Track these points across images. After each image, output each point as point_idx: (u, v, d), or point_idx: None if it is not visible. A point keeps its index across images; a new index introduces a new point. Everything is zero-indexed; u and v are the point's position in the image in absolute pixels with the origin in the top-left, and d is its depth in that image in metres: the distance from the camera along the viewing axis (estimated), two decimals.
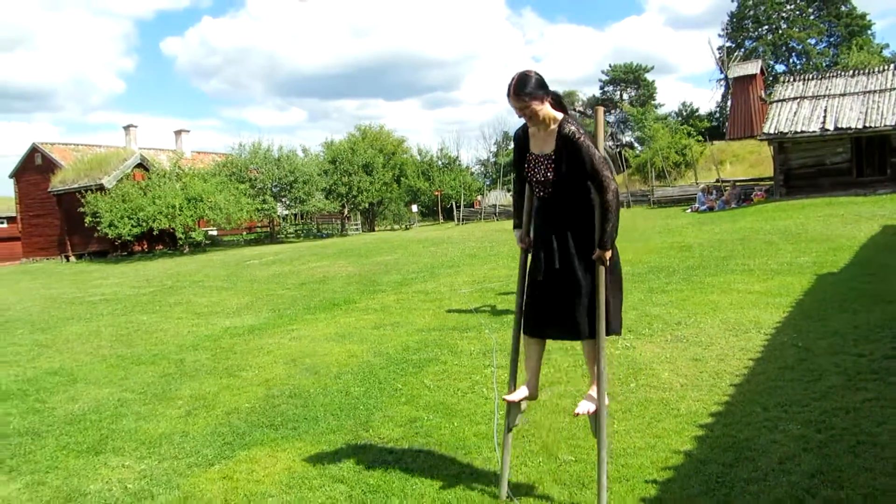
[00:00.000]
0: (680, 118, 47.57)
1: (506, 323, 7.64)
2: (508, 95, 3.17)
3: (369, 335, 7.74)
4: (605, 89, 54.04)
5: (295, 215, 38.18)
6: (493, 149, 63.58)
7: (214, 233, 33.72)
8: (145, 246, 31.34)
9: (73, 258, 32.56)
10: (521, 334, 3.50)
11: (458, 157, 48.48)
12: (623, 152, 40.31)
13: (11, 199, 38.69)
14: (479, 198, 44.56)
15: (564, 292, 3.23)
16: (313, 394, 5.54)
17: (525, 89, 3.13)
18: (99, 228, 28.75)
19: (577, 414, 3.38)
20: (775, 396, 4.46)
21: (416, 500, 3.43)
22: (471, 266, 13.69)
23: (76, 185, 31.60)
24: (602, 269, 3.17)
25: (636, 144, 47.74)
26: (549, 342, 3.58)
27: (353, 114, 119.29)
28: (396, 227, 42.09)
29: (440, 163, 45.78)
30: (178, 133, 38.96)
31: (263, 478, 3.93)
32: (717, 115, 48.64)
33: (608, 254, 3.14)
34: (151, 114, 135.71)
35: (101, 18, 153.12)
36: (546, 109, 3.19)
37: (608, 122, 53.58)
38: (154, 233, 29.06)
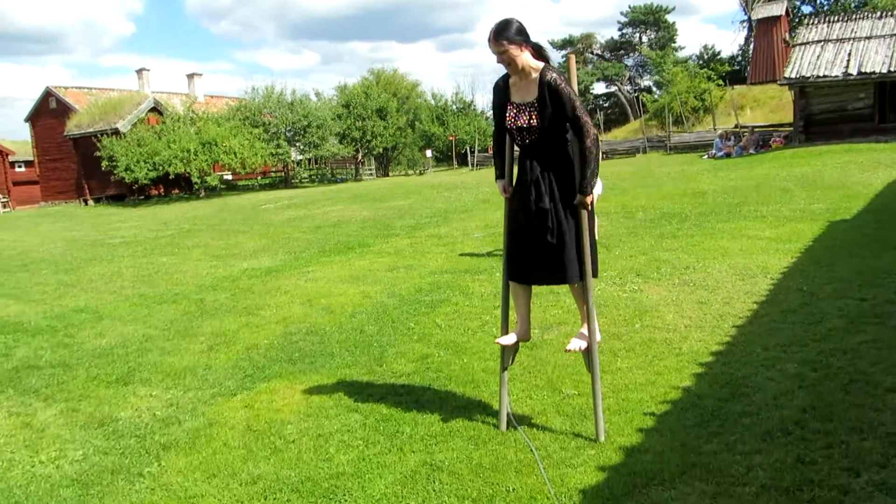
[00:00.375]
0: (701, 62, 46.42)
1: None
2: (489, 40, 3.22)
3: (383, 277, 7.93)
4: (624, 31, 52.57)
5: (309, 160, 38.20)
6: None
7: (229, 177, 33.89)
8: (162, 190, 31.63)
9: (91, 202, 32.97)
10: (509, 281, 3.60)
11: (473, 102, 47.76)
12: (640, 97, 39.60)
13: (28, 143, 38.95)
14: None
15: (554, 236, 3.30)
16: (329, 331, 5.76)
17: (504, 34, 3.18)
18: (115, 172, 29.01)
19: (569, 350, 3.55)
20: (776, 337, 4.59)
21: (425, 428, 3.64)
22: (483, 211, 13.78)
23: (91, 130, 31.72)
24: (584, 214, 3.29)
25: (654, 89, 46.79)
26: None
27: (366, 56, 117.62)
28: (410, 172, 41.98)
29: (455, 107, 45.21)
30: (190, 77, 38.73)
31: (282, 407, 4.16)
32: (740, 58, 47.38)
33: (589, 198, 3.25)
34: (163, 56, 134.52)
35: None
36: (525, 58, 3.23)
37: (626, 66, 52.46)
38: (170, 177, 29.28)
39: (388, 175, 41.22)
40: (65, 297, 8.52)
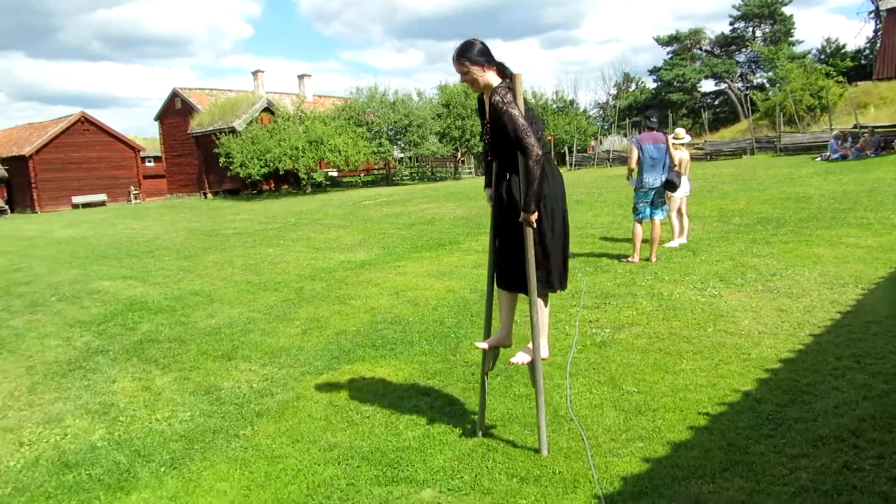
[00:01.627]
0: (822, 56, 43.64)
1: (599, 267, 7.91)
2: (452, 60, 3.34)
3: (468, 273, 8.26)
4: (736, 26, 50.17)
5: (410, 158, 39.18)
6: (613, 91, 61.37)
7: (334, 174, 35.38)
8: (272, 185, 33.54)
9: (209, 195, 35.42)
10: (493, 286, 3.72)
11: (574, 100, 47.35)
12: (750, 95, 37.78)
13: (157, 140, 42.33)
14: (593, 143, 43.55)
15: (508, 249, 3.47)
16: (411, 322, 6.15)
17: (466, 54, 3.28)
18: (231, 168, 31.04)
19: (512, 363, 3.65)
20: (852, 348, 4.52)
21: (489, 413, 3.93)
22: (575, 212, 13.80)
23: (211, 128, 34.08)
24: (530, 231, 3.31)
25: (767, 86, 44.44)
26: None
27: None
28: None
29: (555, 106, 44.95)
30: (300, 77, 40.70)
31: (362, 386, 4.58)
32: (867, 52, 44.09)
33: (533, 216, 3.28)
34: (277, 58, 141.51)
35: None
36: (486, 78, 3.32)
37: (737, 62, 50.07)
38: (280, 173, 30.99)
39: None
40: (183, 281, 9.43)
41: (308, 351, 5.54)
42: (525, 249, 3.34)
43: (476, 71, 3.30)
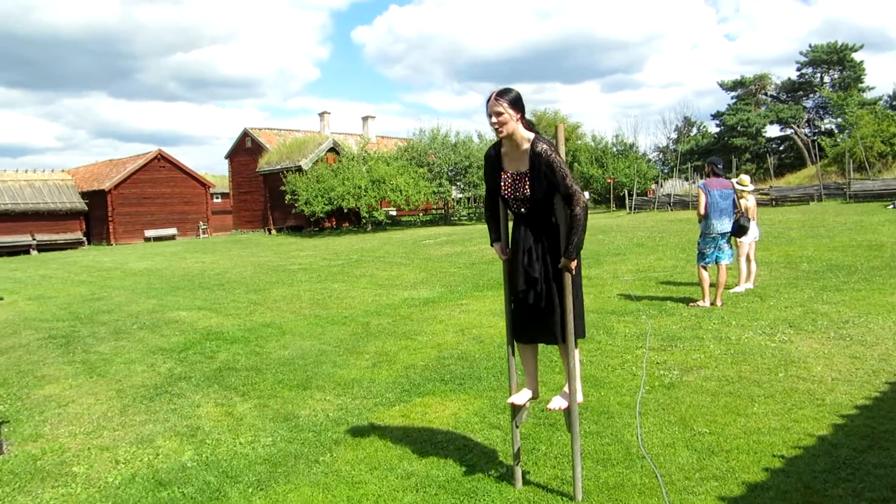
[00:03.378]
0: (894, 102, 42.44)
1: (664, 310, 7.90)
2: (488, 101, 3.34)
3: None
4: (803, 71, 49.40)
5: (468, 198, 39.68)
6: (674, 135, 60.93)
7: (394, 213, 36.13)
8: (334, 223, 34.46)
9: (273, 231, 36.60)
10: (514, 340, 3.70)
11: (634, 144, 47.22)
12: (818, 141, 36.92)
13: (225, 177, 44.17)
14: (653, 186, 43.17)
15: (543, 301, 3.44)
16: (478, 358, 6.29)
17: (506, 97, 3.30)
18: (296, 205, 32.10)
19: (550, 409, 3.59)
20: None
21: (559, 448, 4.02)
22: (637, 255, 13.77)
23: (279, 167, 35.42)
24: (568, 277, 3.34)
25: (836, 132, 43.34)
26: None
27: (529, 98, 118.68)
28: None
29: (615, 149, 44.94)
30: (364, 119, 42.04)
31: (434, 419, 4.73)
32: None
33: (573, 263, 3.32)
34: (341, 99, 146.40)
35: (301, 10, 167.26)
36: (519, 127, 3.36)
37: (804, 108, 49.10)
38: (344, 211, 31.86)
39: None
40: (254, 313, 9.84)
41: (379, 383, 5.74)
42: (563, 297, 3.36)
43: (511, 117, 3.30)
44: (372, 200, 31.05)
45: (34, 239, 36.07)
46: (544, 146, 3.31)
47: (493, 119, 3.32)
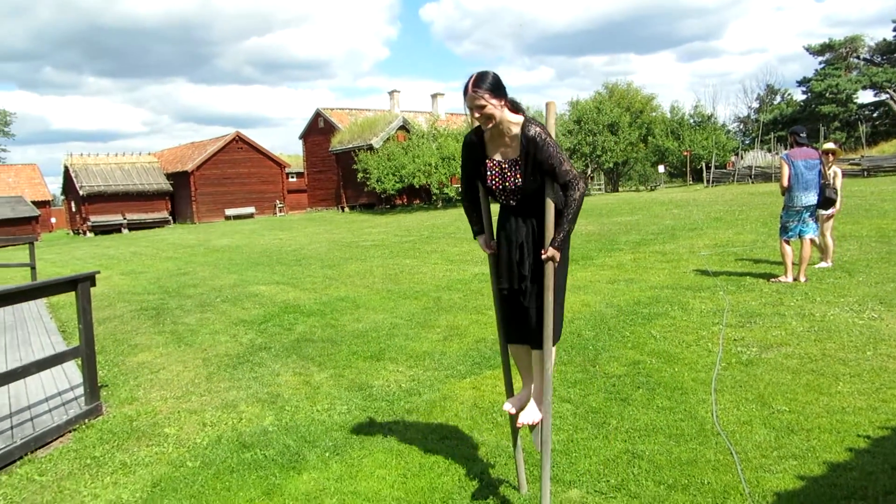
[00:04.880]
0: None
1: (743, 286, 7.64)
2: (465, 92, 2.94)
3: (603, 288, 8.25)
4: None
5: None
6: (755, 104, 58.12)
7: None
8: (405, 200, 34.82)
9: (347, 209, 37.35)
10: (506, 343, 3.36)
11: (712, 115, 45.29)
12: None
13: (300, 157, 45.28)
14: (733, 158, 41.44)
15: (532, 299, 3.09)
16: None
17: (483, 85, 2.91)
18: (368, 183, 32.61)
19: (521, 425, 3.21)
20: None
21: (630, 423, 3.99)
22: (714, 229, 13.32)
23: (350, 146, 36.00)
24: (551, 272, 2.98)
25: None
26: None
27: (602, 70, 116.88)
28: (641, 188, 41.07)
29: (692, 121, 43.30)
30: (433, 96, 42.04)
31: (504, 391, 4.76)
32: None
33: (558, 254, 2.99)
34: (410, 77, 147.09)
35: None
36: (503, 113, 2.98)
37: None
38: (415, 188, 32.15)
39: (617, 190, 40.76)
40: (329, 287, 10.12)
41: (450, 356, 5.82)
42: (544, 294, 3.00)
43: (493, 103, 2.92)
44: (442, 177, 31.16)
45: (125, 218, 38.15)
46: (537, 129, 2.95)
47: (476, 114, 2.95)
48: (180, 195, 41.04)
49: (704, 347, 5.43)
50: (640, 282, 8.51)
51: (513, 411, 3.32)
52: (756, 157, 39.27)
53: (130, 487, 3.82)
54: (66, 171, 40.04)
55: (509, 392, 3.43)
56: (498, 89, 2.94)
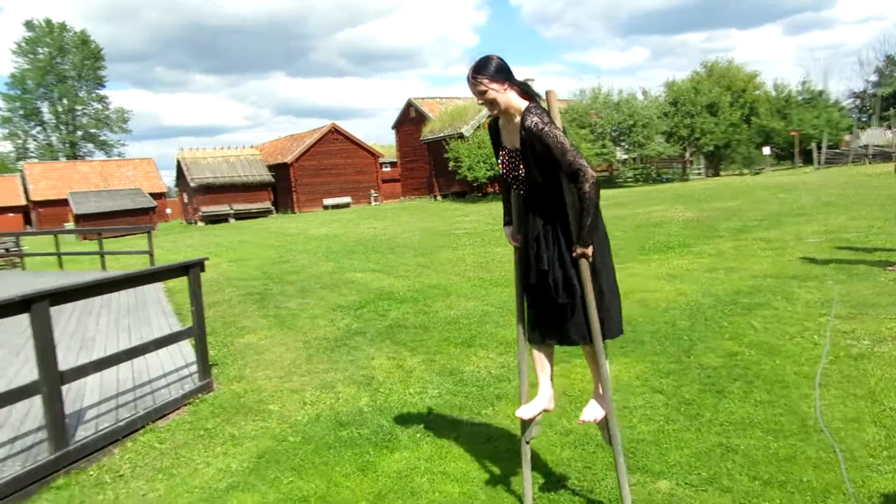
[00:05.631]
0: None
1: (855, 275, 7.19)
2: (467, 79, 2.89)
3: (700, 277, 7.99)
4: None
5: (633, 159, 38.16)
6: (873, 77, 53.81)
7: None
8: (496, 188, 34.78)
9: (439, 197, 37.76)
10: (527, 343, 3.23)
11: (823, 91, 42.38)
12: None
13: (392, 147, 46.14)
14: (847, 137, 38.65)
15: (555, 295, 2.93)
16: (641, 322, 6.17)
17: (483, 72, 2.82)
18: (459, 172, 32.81)
19: (583, 421, 3.11)
20: None
21: (725, 416, 3.88)
22: (825, 214, 12.54)
23: (441, 134, 36.30)
24: (586, 268, 2.86)
25: None
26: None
27: (700, 48, 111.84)
28: (745, 171, 39.08)
29: (800, 98, 40.70)
30: (548, 92, 41.60)
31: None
32: None
33: (589, 249, 2.83)
34: None
35: None
36: (508, 98, 2.87)
37: None
38: None
39: (718, 175, 39.01)
40: (422, 275, 10.34)
41: None
42: (583, 291, 2.88)
43: (494, 89, 2.84)
44: None
45: (231, 208, 40.27)
46: (534, 119, 2.82)
47: (480, 101, 2.92)
48: (281, 186, 42.82)
49: (810, 340, 5.18)
50: (741, 270, 8.17)
51: (526, 417, 3.16)
52: (874, 136, 36.45)
53: (238, 458, 4.12)
54: (179, 165, 42.66)
55: (523, 399, 3.26)
56: (499, 73, 2.85)
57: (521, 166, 2.92)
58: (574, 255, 2.85)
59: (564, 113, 34.22)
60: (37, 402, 4.29)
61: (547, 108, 2.93)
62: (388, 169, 49.75)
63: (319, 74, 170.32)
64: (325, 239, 19.11)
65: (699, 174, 38.58)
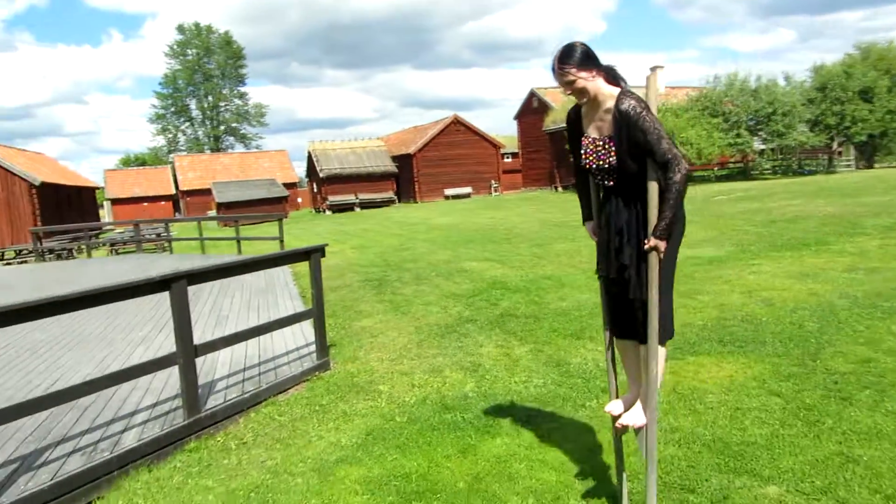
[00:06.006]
0: None
1: None
2: (552, 70, 2.78)
3: (837, 277, 7.40)
4: None
5: (772, 150, 35.68)
6: None
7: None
8: None
9: (559, 188, 37.28)
10: (612, 336, 3.14)
11: None
12: None
13: (514, 138, 46.02)
14: None
15: (635, 291, 2.85)
16: (765, 322, 5.83)
17: (569, 60, 2.72)
18: None
19: (620, 426, 2.99)
20: None
21: (849, 424, 3.61)
22: None
23: (563, 125, 35.64)
24: (655, 263, 2.72)
25: None
26: None
27: (856, 27, 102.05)
28: None
29: None
30: (653, 69, 39.84)
31: (706, 379, 4.57)
32: None
33: (663, 244, 2.69)
34: (628, 50, 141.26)
35: None
36: (598, 85, 2.78)
37: None
38: None
39: (871, 167, 35.62)
40: (536, 266, 10.31)
41: None
42: (648, 284, 2.76)
43: (584, 77, 2.75)
44: None
45: (357, 198, 41.94)
46: (631, 102, 2.70)
47: (568, 91, 2.81)
48: (404, 176, 44.01)
49: None
50: (887, 271, 7.48)
51: (615, 413, 3.11)
52: None
53: (348, 433, 4.35)
54: (310, 156, 44.98)
55: (612, 395, 3.20)
56: (587, 61, 2.75)
57: (613, 154, 2.80)
58: (646, 247, 2.73)
59: (696, 101, 32.64)
60: (174, 372, 4.76)
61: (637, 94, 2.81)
62: (510, 160, 49.68)
63: (445, 66, 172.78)
64: (445, 228, 19.48)
65: (848, 166, 35.41)
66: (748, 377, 4.53)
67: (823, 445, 3.42)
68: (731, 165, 36.46)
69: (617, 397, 3.18)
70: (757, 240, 10.97)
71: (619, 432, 3.12)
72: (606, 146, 2.82)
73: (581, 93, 2.80)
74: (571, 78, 2.74)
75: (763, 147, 34.77)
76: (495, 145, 45.45)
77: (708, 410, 4.03)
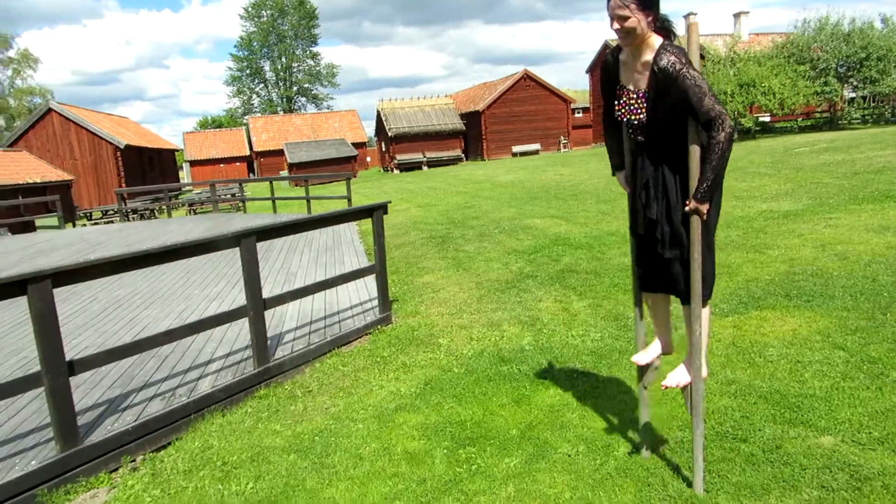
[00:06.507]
0: None
1: None
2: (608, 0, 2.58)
3: None
4: None
5: (863, 98, 33.44)
6: None
7: (766, 119, 32.49)
8: None
9: None
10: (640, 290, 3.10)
11: None
12: None
13: (586, 92, 44.87)
14: None
15: (665, 247, 2.76)
16: (836, 276, 5.62)
17: None
18: None
19: (665, 386, 2.93)
20: None
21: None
22: None
23: None
24: (697, 225, 2.60)
25: None
26: None
27: None
28: None
29: None
30: (736, 16, 38.00)
31: (768, 333, 4.48)
32: None
33: (705, 206, 2.57)
34: None
35: None
36: (646, 31, 2.56)
37: None
38: None
39: None
40: (601, 222, 10.19)
41: (716, 293, 5.56)
42: (690, 246, 2.66)
43: (639, 19, 2.53)
44: (739, 106, 28.33)
45: (424, 156, 42.09)
46: (671, 58, 2.51)
47: (615, 25, 2.57)
48: (472, 134, 43.77)
49: None
50: None
51: (641, 363, 3.14)
52: None
53: (408, 383, 4.53)
54: (378, 116, 45.30)
55: (639, 346, 3.22)
56: (649, 2, 2.54)
57: (644, 111, 2.67)
58: (688, 209, 2.61)
59: (781, 48, 30.81)
60: (245, 324, 5.05)
61: (683, 48, 2.61)
62: (581, 115, 48.58)
63: (516, 20, 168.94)
64: (510, 185, 19.37)
65: None
66: (812, 331, 4.42)
67: (885, 398, 3.34)
68: (818, 115, 34.44)
69: (644, 348, 3.19)
70: (837, 192, 10.44)
71: (647, 380, 3.17)
72: (639, 101, 2.70)
73: (629, 34, 2.58)
74: (627, 14, 2.53)
75: (853, 95, 32.62)
76: (565, 100, 44.46)
77: (767, 364, 3.97)
